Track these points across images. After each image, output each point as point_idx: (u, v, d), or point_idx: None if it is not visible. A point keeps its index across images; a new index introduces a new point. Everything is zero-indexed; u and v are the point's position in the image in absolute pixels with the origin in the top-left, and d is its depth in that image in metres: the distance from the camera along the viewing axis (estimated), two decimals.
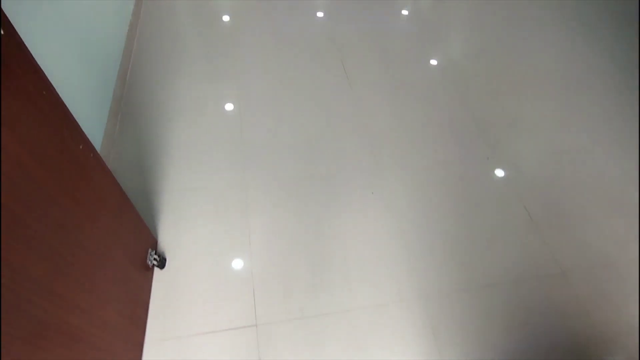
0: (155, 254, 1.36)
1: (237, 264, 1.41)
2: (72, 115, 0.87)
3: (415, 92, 2.04)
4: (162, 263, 1.38)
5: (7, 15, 0.78)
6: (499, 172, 1.73)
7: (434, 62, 2.23)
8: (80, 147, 0.91)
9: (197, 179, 1.63)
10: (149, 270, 1.36)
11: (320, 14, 2.51)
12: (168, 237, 1.46)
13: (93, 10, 1.67)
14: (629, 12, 2.66)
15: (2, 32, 0.68)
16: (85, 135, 0.92)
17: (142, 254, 1.29)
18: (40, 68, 0.82)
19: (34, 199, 0.72)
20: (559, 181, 1.71)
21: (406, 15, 2.58)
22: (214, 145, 1.74)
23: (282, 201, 1.58)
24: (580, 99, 2.07)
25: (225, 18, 2.44)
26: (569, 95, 2.09)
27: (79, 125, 0.90)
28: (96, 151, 0.97)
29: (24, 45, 0.76)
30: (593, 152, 1.82)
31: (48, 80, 0.83)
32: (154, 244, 1.40)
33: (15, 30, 0.77)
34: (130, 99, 1.89)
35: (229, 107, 1.89)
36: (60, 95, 0.84)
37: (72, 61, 1.42)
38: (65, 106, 0.85)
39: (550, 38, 2.46)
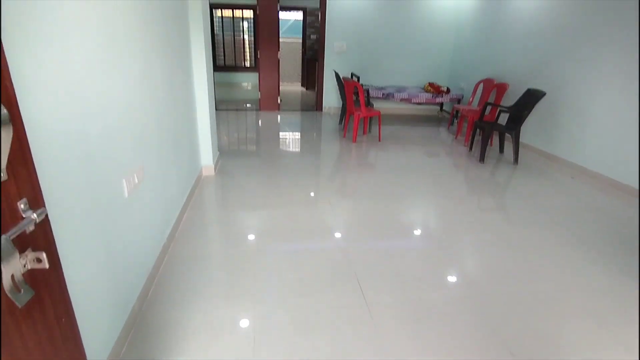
0: None
1: None
2: (82, 347, 0.86)
3: (436, 313, 1.97)
4: None
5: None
6: None
7: (451, 280, 2.25)
8: None
9: None
10: None
11: (337, 235, 2.73)
12: None
13: (132, 229, 1.87)
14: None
15: (47, 266, 0.75)
16: None
17: None
18: (68, 294, 0.86)
19: None
20: None
21: (419, 234, 2.78)
22: None
23: None
24: (618, 317, 1.94)
25: (251, 237, 2.67)
26: (606, 314, 1.97)
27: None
28: None
29: (63, 277, 0.82)
30: None
31: (71, 306, 0.86)
32: None
33: (59, 261, 0.85)
34: (147, 315, 1.89)
35: (244, 325, 1.84)
36: (74, 302, 0.85)
37: (97, 269, 1.49)
38: (79, 337, 0.85)
39: (572, 255, 2.53)
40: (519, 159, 4.59)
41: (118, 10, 1.68)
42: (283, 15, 10.14)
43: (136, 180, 1.87)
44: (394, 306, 2.01)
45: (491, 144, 5.28)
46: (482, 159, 4.53)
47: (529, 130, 5.10)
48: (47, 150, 1.14)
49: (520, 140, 4.63)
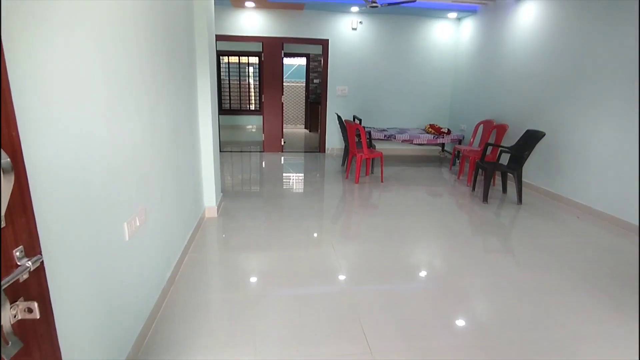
0: None
1: None
2: None
3: None
4: None
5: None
6: None
7: (460, 325, 2.17)
8: None
9: None
10: None
11: (341, 278, 2.67)
12: None
13: (132, 273, 1.84)
14: None
15: (38, 316, 0.73)
16: None
17: None
18: (59, 347, 0.83)
19: None
20: None
21: (424, 277, 2.71)
22: None
23: None
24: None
25: (253, 281, 2.61)
26: None
27: None
28: None
29: (54, 328, 0.79)
30: None
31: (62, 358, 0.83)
32: None
33: (52, 311, 0.83)
34: None
35: None
36: (65, 353, 0.81)
37: (92, 317, 1.44)
38: None
39: (584, 300, 2.44)
40: (522, 198, 4.57)
41: (130, 59, 1.75)
42: (287, 60, 10.55)
43: (137, 223, 1.86)
44: (400, 354, 1.92)
45: (494, 184, 5.27)
46: (485, 199, 4.51)
47: (531, 170, 5.12)
48: (48, 194, 1.15)
49: (522, 180, 4.63)
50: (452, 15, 6.92)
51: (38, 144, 1.10)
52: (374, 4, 4.80)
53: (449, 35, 7.30)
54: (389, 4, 5.04)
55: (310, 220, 3.82)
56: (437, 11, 6.66)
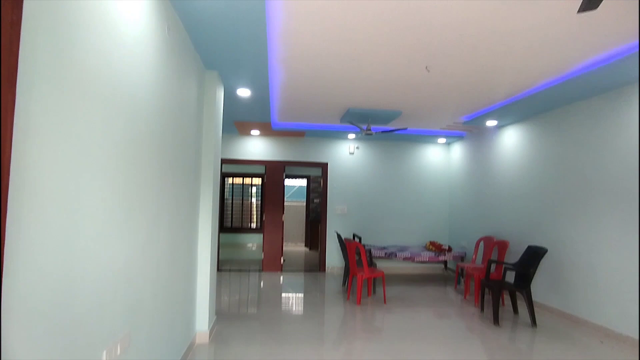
0: None
1: None
2: None
3: None
4: None
5: None
6: None
7: None
8: None
9: None
10: None
11: None
12: None
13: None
14: None
15: None
16: None
17: None
18: None
19: None
20: None
21: None
22: None
23: None
24: None
25: None
26: None
27: None
28: None
29: None
30: None
31: None
32: None
33: None
34: None
35: None
36: None
37: None
38: None
39: None
40: (536, 320, 4.27)
41: (138, 179, 1.84)
42: (288, 182, 11.06)
43: (118, 352, 1.71)
44: None
45: (503, 304, 5.00)
46: (496, 321, 4.22)
47: (540, 288, 4.91)
48: (21, 322, 1.08)
49: (533, 299, 4.40)
50: (442, 140, 7.49)
51: (22, 247, 1.08)
52: (369, 132, 5.24)
53: (441, 158, 7.79)
54: (383, 132, 5.50)
55: (311, 347, 3.51)
56: (427, 137, 7.24)
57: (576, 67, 3.53)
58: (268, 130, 6.80)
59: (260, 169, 8.83)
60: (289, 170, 8.23)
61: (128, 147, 1.76)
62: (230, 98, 4.60)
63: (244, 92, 4.39)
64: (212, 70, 3.61)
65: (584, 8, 2.11)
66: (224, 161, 6.91)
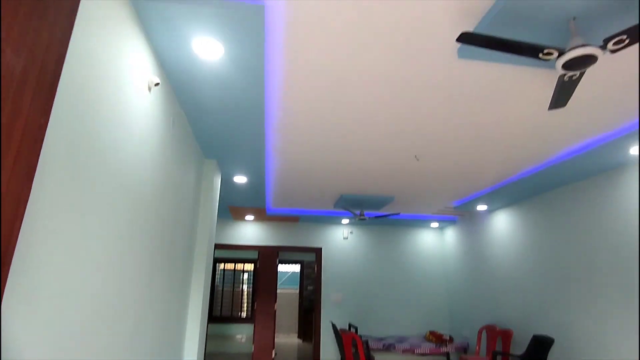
0: None
1: None
2: None
3: None
4: None
5: None
6: None
7: None
8: None
9: None
10: None
11: None
12: None
13: None
14: None
15: None
16: None
17: None
18: None
19: None
20: None
21: None
22: None
23: None
24: None
25: None
26: None
27: None
28: None
29: None
30: None
31: None
32: None
33: None
34: None
35: None
36: None
37: None
38: None
39: None
40: None
41: (130, 275, 1.81)
42: (282, 267, 10.81)
43: None
44: None
45: None
46: None
47: None
48: None
49: None
50: (435, 224, 7.56)
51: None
52: (363, 217, 5.32)
53: (435, 242, 7.78)
54: (376, 217, 5.58)
55: None
56: (420, 221, 7.31)
57: (558, 154, 3.76)
58: (262, 215, 6.86)
59: (253, 255, 8.69)
60: (282, 255, 8.11)
61: (133, 238, 1.77)
62: (227, 184, 4.73)
63: (240, 179, 4.53)
64: (211, 159, 3.77)
65: (553, 106, 2.34)
66: (216, 246, 6.82)
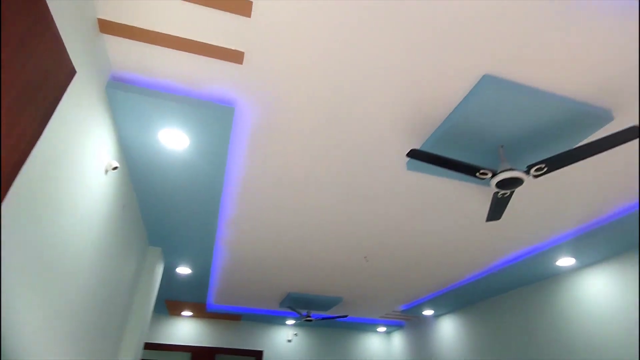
0: None
1: None
2: None
3: None
4: None
5: None
6: None
7: None
8: None
9: None
10: None
11: None
12: None
13: None
14: None
15: None
16: None
17: None
18: None
19: None
20: None
21: None
22: None
23: None
24: None
25: None
26: None
27: None
28: None
29: None
30: None
31: None
32: None
33: None
34: None
35: None
36: None
37: None
38: None
39: None
40: None
41: None
42: None
43: None
44: None
45: None
46: None
47: None
48: None
49: None
50: (382, 329, 7.35)
51: None
52: (309, 318, 5.09)
53: (382, 347, 7.46)
54: (323, 319, 5.36)
55: None
56: (367, 325, 7.09)
57: (496, 262, 3.99)
58: (202, 311, 6.34)
59: (185, 358, 7.75)
60: (218, 358, 7.32)
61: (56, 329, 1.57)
62: (168, 275, 4.43)
63: (184, 270, 4.27)
64: (156, 246, 3.59)
65: (490, 218, 2.58)
66: (145, 345, 6.07)
